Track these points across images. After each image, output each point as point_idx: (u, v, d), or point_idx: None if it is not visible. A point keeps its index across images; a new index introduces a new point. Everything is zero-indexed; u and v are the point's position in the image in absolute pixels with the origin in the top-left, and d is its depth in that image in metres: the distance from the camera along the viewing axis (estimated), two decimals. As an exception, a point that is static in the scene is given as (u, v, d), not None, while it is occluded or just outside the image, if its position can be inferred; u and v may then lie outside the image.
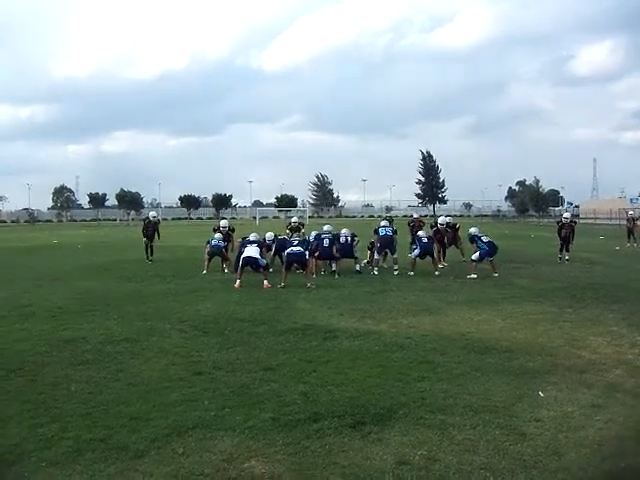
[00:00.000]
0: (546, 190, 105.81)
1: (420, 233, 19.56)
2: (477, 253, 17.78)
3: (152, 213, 25.03)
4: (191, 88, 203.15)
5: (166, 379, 7.15)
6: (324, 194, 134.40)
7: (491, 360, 7.96)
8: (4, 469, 4.86)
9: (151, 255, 22.80)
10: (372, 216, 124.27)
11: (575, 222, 23.31)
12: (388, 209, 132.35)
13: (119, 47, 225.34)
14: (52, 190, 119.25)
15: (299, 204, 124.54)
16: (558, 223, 22.90)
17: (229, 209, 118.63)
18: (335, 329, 9.97)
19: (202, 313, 11.44)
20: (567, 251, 21.87)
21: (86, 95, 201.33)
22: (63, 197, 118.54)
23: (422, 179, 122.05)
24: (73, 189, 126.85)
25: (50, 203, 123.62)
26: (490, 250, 17.88)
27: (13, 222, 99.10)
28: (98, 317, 11.20)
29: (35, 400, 6.48)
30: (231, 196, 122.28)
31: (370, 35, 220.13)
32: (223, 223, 21.13)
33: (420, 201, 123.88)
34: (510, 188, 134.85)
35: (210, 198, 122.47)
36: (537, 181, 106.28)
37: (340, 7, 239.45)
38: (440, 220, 21.45)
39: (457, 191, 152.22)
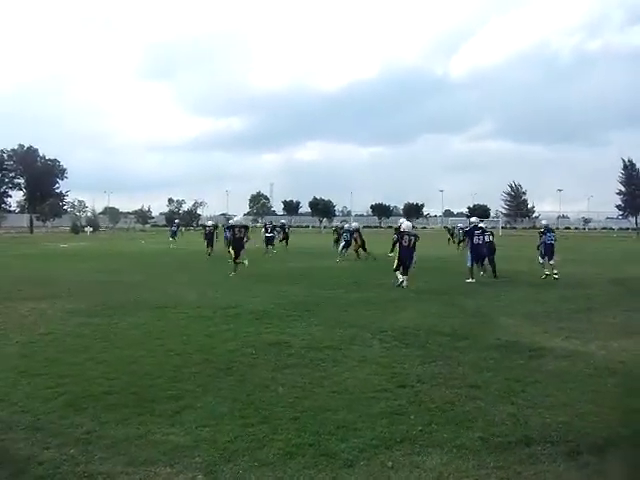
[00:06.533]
0: None
1: None
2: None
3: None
4: (381, 97, 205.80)
5: (370, 389, 7.09)
6: (518, 204, 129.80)
7: None
8: (221, 464, 5.04)
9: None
10: (568, 228, 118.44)
11: None
12: (586, 221, 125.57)
13: (311, 59, 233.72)
14: (249, 196, 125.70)
15: (492, 214, 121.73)
16: None
17: (420, 218, 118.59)
18: (541, 347, 9.41)
19: (401, 324, 11.27)
20: None
21: (279, 106, 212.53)
22: (259, 203, 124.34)
23: (623, 189, 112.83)
24: (268, 196, 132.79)
25: (246, 209, 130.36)
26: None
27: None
28: (299, 322, 11.47)
29: (245, 400, 6.71)
30: (423, 205, 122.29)
31: (560, 36, 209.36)
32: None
33: (621, 213, 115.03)
34: None
35: (401, 207, 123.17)
36: None
37: (529, 7, 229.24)
38: None
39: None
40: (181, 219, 69.52)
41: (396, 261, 17.61)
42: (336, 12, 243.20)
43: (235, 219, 24.92)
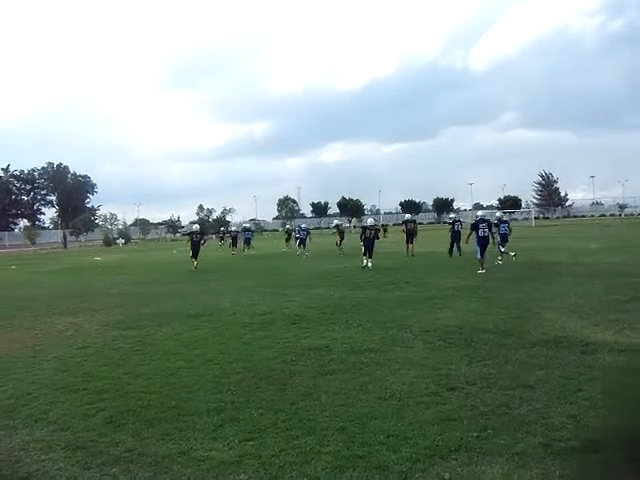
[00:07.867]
0: None
1: None
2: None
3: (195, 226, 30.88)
4: (400, 93, 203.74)
5: (417, 393, 6.79)
6: (549, 193, 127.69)
7: None
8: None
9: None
10: (603, 215, 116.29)
11: None
12: (622, 207, 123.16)
13: (329, 59, 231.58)
14: (276, 201, 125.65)
15: (523, 205, 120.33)
16: None
17: (452, 213, 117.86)
18: (592, 342, 8.96)
19: (443, 322, 10.92)
20: None
21: (301, 109, 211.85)
22: (287, 207, 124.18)
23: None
24: (296, 199, 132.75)
25: (275, 213, 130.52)
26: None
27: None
28: (337, 325, 11.20)
29: (288, 410, 6.48)
30: (453, 200, 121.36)
31: (581, 18, 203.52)
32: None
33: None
34: None
35: (430, 202, 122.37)
36: None
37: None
38: None
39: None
40: (212, 227, 70.39)
41: (363, 249, 23.57)
42: (351, 11, 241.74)
43: (193, 227, 30.47)
